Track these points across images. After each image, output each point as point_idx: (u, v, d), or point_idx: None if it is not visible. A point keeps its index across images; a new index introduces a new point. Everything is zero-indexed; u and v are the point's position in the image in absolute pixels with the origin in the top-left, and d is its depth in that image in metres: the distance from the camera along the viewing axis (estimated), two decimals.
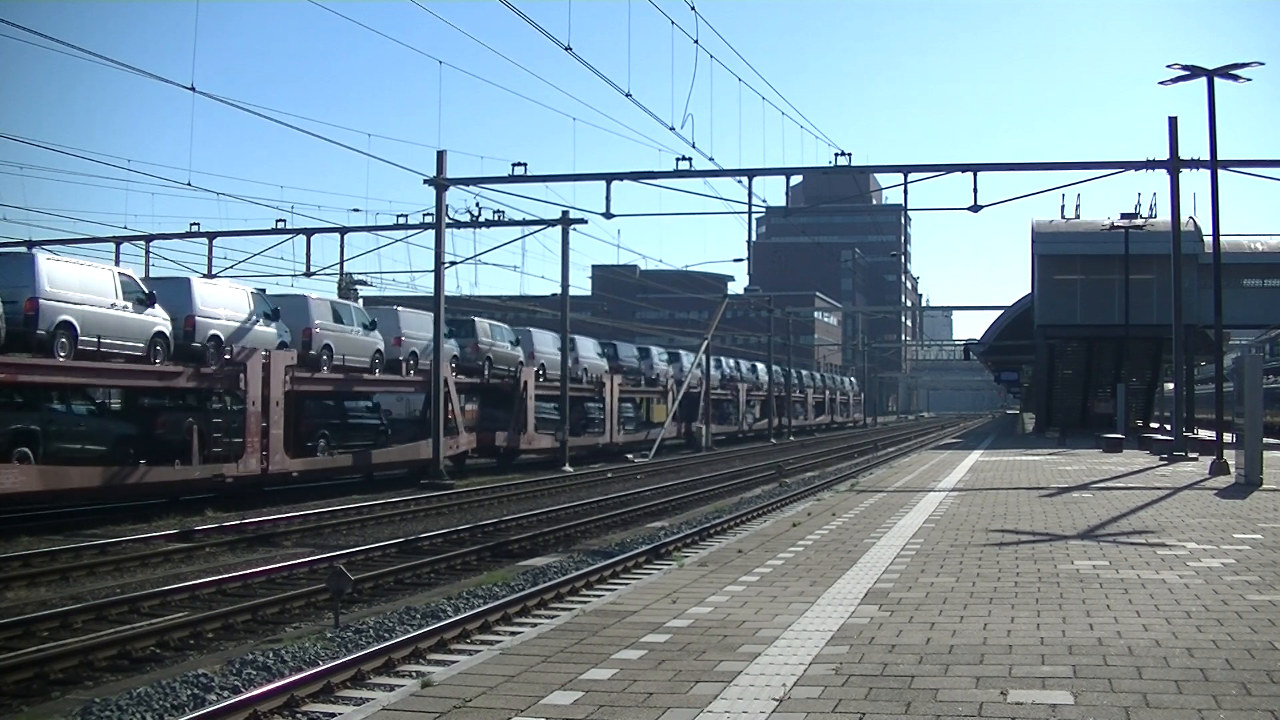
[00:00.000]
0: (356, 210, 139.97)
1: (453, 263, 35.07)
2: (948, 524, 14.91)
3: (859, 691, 6.36)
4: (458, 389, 34.36)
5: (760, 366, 71.73)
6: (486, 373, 36.39)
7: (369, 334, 30.24)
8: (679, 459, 45.38)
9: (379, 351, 30.56)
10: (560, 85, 36.27)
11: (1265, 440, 22.62)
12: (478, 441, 35.71)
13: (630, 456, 44.99)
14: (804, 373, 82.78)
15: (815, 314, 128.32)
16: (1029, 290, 56.90)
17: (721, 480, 32.74)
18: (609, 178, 28.86)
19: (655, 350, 54.93)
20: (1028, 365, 68.99)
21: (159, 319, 22.57)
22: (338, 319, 29.16)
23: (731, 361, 67.05)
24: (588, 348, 45.93)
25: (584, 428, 43.66)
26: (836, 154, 28.97)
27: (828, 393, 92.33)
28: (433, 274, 31.99)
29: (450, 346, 33.45)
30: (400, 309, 33.71)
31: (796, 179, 35.93)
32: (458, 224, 35.27)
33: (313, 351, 27.67)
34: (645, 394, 53.18)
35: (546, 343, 41.66)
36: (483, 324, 36.98)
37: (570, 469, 36.73)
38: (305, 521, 20.99)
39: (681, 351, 58.48)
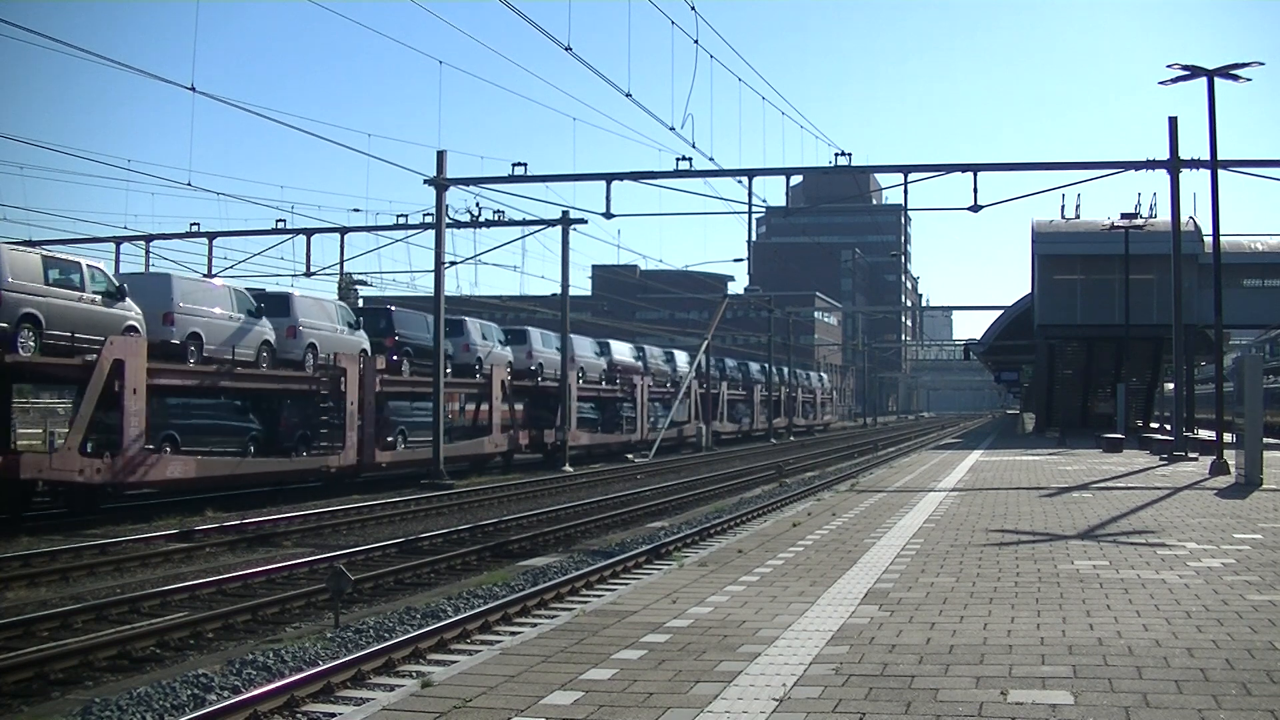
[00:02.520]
0: (356, 210, 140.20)
1: (453, 263, 35.09)
2: (948, 524, 14.91)
3: (859, 691, 6.35)
4: None
5: (681, 356, 57.61)
6: (32, 344, 19.67)
7: None
8: (679, 459, 45.36)
9: None
10: (560, 85, 36.34)
11: (1265, 440, 22.62)
12: None
13: (630, 456, 44.96)
14: (750, 365, 69.81)
15: (815, 314, 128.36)
16: (1029, 290, 56.93)
17: (722, 480, 32.74)
18: (609, 178, 28.86)
19: (475, 325, 36.30)
20: (1028, 365, 69.04)
21: None
22: None
23: (628, 348, 51.99)
24: (315, 312, 28.41)
25: (304, 441, 27.60)
26: (836, 154, 29.00)
27: (785, 390, 76.87)
28: (433, 274, 32.01)
29: None
30: None
31: (796, 179, 35.91)
32: (458, 224, 35.31)
33: None
34: (453, 388, 35.51)
35: (197, 298, 24.40)
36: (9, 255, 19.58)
37: (570, 469, 36.71)
38: (305, 521, 20.99)
39: (530, 329, 42.26)
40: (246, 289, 27.29)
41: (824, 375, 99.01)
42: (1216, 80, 24.52)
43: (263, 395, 27.57)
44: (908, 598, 9.36)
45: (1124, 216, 41.95)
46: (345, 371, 28.08)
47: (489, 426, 36.10)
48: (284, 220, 36.07)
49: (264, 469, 26.04)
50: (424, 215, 34.43)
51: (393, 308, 33.86)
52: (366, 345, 30.34)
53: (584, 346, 45.95)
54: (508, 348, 38.10)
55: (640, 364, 51.26)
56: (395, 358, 31.28)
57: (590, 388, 44.87)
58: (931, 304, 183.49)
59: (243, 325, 25.41)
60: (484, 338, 36.58)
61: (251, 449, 26.21)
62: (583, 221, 37.81)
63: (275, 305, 27.45)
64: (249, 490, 25.32)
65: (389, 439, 31.10)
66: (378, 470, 29.79)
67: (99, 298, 21.49)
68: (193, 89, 21.08)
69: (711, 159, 44.52)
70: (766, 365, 72.33)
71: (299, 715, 8.28)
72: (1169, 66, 24.68)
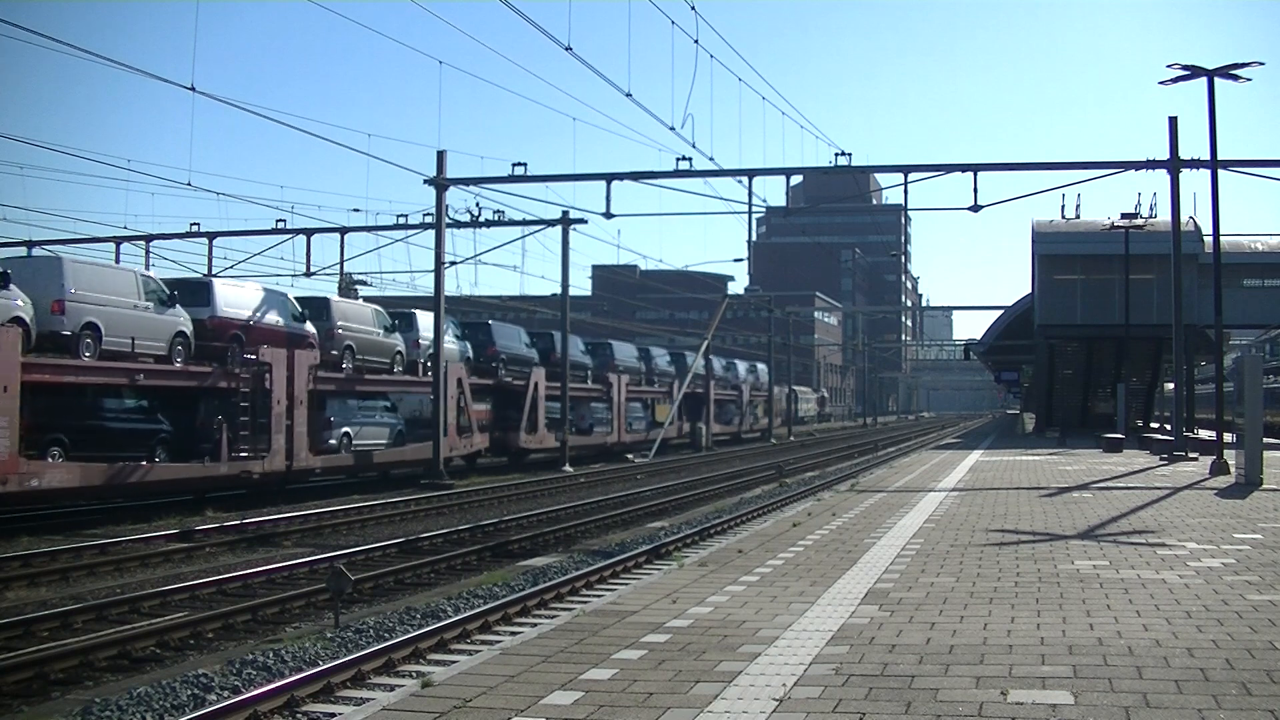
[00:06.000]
0: (356, 210, 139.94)
1: (453, 263, 35.10)
2: (948, 524, 14.91)
3: (859, 691, 6.35)
4: None
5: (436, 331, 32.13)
6: None
7: None
8: (680, 459, 45.34)
9: None
10: (560, 85, 36.37)
11: (1265, 440, 22.61)
12: None
13: (630, 456, 44.93)
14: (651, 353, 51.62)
15: (815, 314, 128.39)
16: (1029, 290, 56.94)
17: (722, 480, 32.74)
18: (609, 178, 28.87)
19: None
20: (1028, 365, 68.99)
21: None
22: None
23: (349, 305, 31.21)
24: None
25: None
26: (836, 154, 28.99)
27: (690, 385, 53.52)
28: (433, 274, 32.01)
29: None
30: None
31: (796, 179, 35.86)
32: (458, 224, 35.28)
33: None
34: None
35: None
36: None
37: (570, 469, 36.70)
38: (305, 521, 21.00)
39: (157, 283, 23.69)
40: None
41: (760, 366, 73.55)
42: (1216, 80, 24.52)
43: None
44: (908, 598, 9.35)
45: (1124, 216, 41.91)
46: None
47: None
48: (284, 220, 36.09)
49: None
50: (424, 215, 34.45)
51: None
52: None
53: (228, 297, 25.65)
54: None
55: (295, 329, 27.24)
56: None
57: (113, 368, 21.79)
58: (931, 304, 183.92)
59: None
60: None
61: None
62: (583, 221, 37.88)
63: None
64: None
65: None
66: None
67: None
68: (193, 89, 21.04)
69: (711, 159, 44.53)
70: (657, 349, 54.91)
71: (299, 715, 8.28)
72: (1169, 66, 24.70)
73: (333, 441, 28.12)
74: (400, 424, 32.08)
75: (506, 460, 38.29)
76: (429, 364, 32.01)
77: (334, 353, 28.43)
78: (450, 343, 33.30)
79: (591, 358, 45.74)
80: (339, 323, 29.03)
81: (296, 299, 28.20)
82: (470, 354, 34.40)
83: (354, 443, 29.09)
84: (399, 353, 31.12)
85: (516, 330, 41.39)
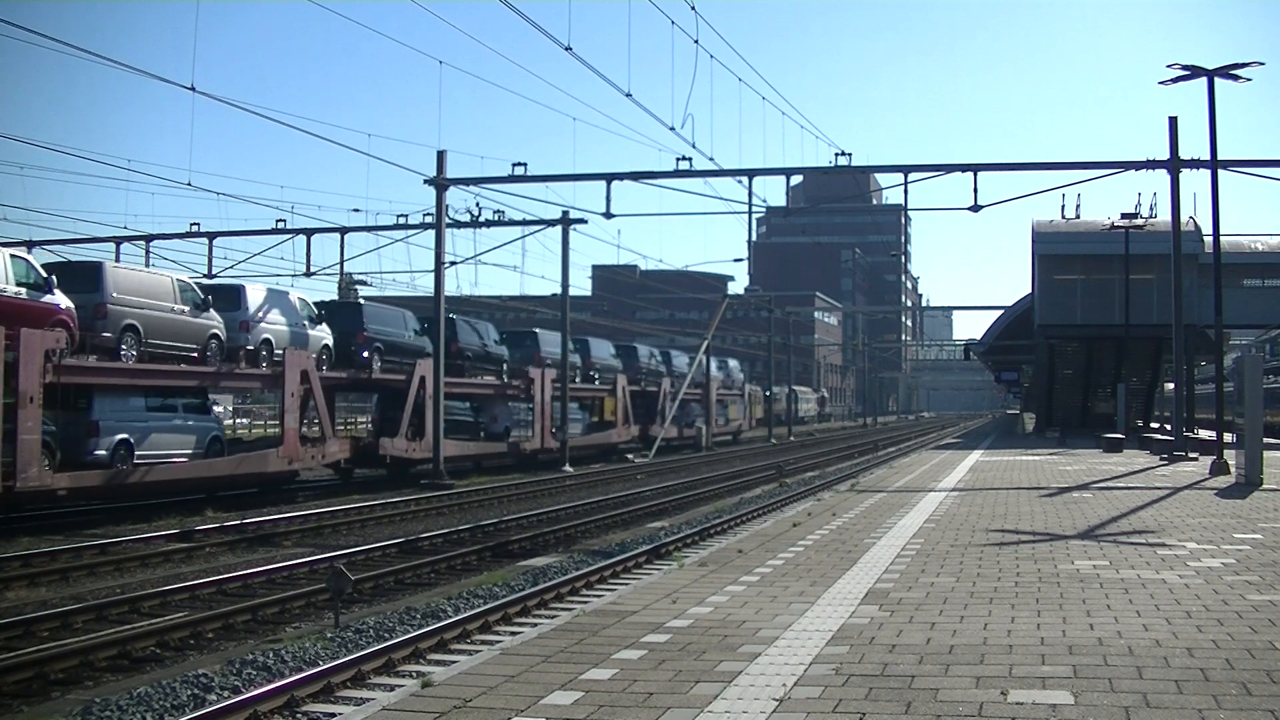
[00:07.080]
0: (356, 210, 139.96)
1: (453, 263, 35.08)
2: (948, 524, 14.91)
3: (859, 691, 6.35)
4: None
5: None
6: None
7: None
8: (680, 459, 45.32)
9: None
10: (560, 85, 36.38)
11: (1265, 440, 22.61)
12: None
13: (630, 456, 44.95)
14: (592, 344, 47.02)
15: (815, 314, 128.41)
16: (1029, 290, 56.93)
17: (722, 480, 32.74)
18: (609, 178, 28.87)
19: None
20: (1028, 365, 68.99)
21: None
22: None
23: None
24: None
25: None
26: (836, 154, 28.98)
27: (620, 382, 47.10)
28: (433, 274, 32.02)
29: None
30: None
31: (796, 179, 35.86)
32: (458, 224, 35.29)
33: None
34: None
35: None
36: None
37: (570, 469, 36.69)
38: (305, 521, 21.00)
39: None
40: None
41: (731, 362, 68.61)
42: (1216, 80, 24.52)
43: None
44: (908, 598, 9.35)
45: (1124, 216, 41.88)
46: None
47: None
48: (284, 220, 36.03)
49: None
50: (424, 215, 34.44)
51: None
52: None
53: None
54: None
55: (35, 301, 20.51)
56: None
57: None
58: (931, 304, 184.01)
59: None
60: None
61: None
62: (583, 221, 37.87)
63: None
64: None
65: None
66: None
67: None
68: (193, 89, 21.01)
69: (711, 159, 44.53)
70: (593, 342, 48.32)
71: (299, 715, 8.28)
72: (1169, 66, 24.69)
73: (101, 453, 21.33)
74: (218, 429, 25.98)
75: (385, 473, 31.17)
76: (263, 351, 26.24)
77: (107, 334, 21.63)
78: (286, 327, 27.29)
79: (511, 349, 39.41)
80: (114, 295, 21.86)
81: (55, 265, 22.59)
82: (330, 341, 28.72)
83: (138, 454, 22.08)
84: (215, 336, 24.38)
85: (400, 314, 33.79)
